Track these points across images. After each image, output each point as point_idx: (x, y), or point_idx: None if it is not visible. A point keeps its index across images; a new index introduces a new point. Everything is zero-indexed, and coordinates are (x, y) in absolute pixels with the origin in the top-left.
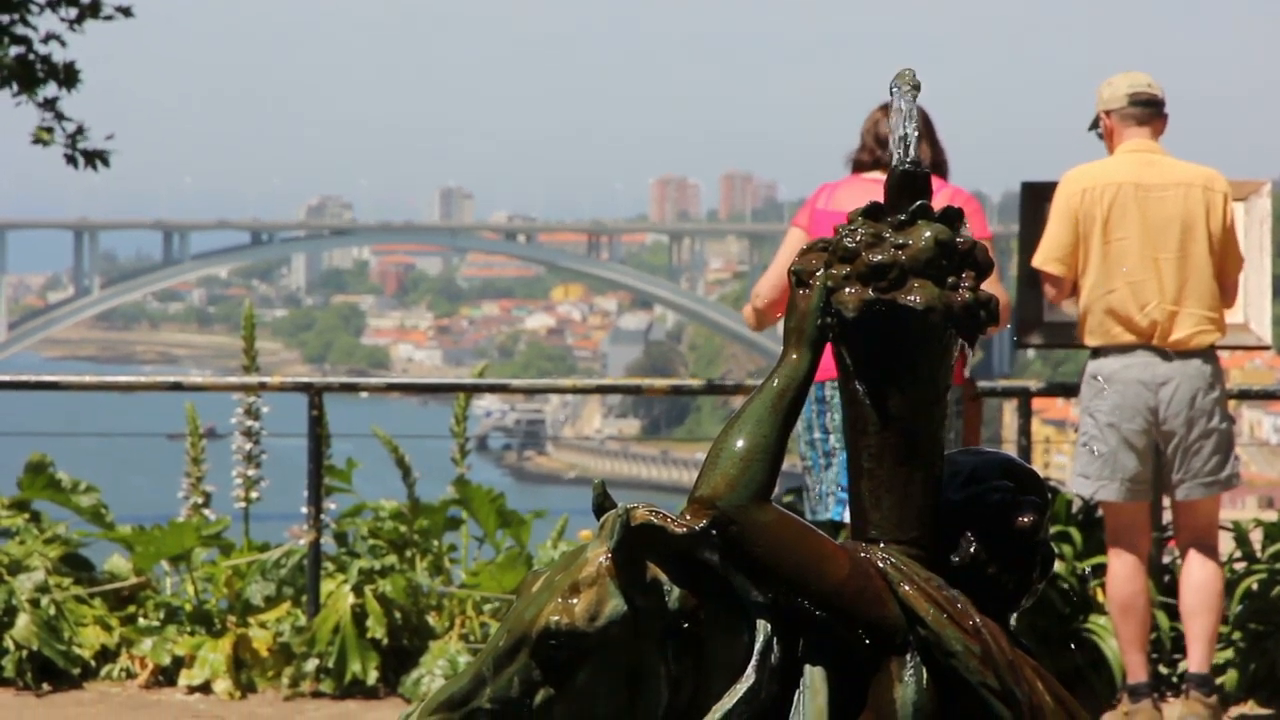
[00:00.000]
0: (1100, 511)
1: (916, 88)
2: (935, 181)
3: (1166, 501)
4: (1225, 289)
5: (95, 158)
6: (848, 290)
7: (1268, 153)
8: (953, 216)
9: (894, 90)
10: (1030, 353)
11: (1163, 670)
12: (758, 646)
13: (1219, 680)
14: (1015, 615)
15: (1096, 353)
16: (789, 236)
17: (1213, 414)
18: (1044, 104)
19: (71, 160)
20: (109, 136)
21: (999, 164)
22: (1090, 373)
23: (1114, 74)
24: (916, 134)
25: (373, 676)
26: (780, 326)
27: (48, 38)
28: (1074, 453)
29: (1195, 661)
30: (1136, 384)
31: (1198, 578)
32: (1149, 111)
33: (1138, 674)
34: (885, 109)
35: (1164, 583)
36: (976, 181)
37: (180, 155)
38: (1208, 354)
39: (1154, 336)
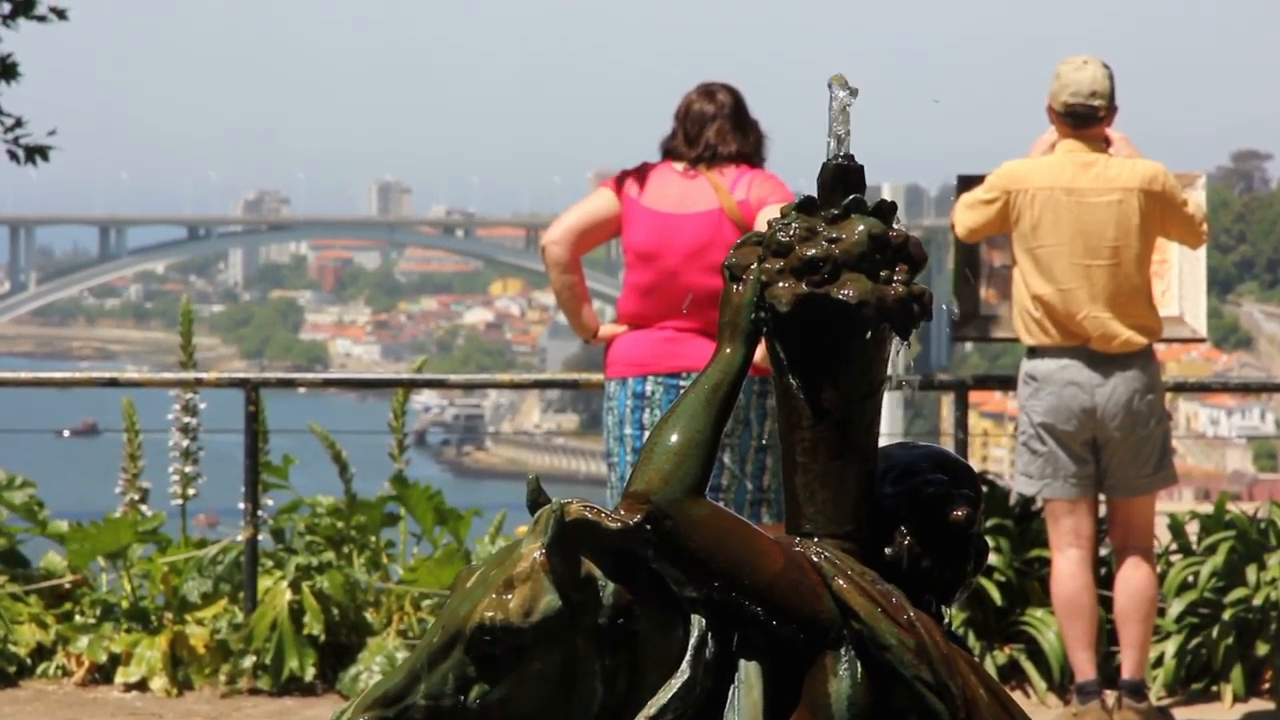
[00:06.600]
0: (1038, 505)
1: (847, 86)
2: (743, 169)
3: (1102, 497)
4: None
5: (36, 153)
6: (781, 284)
7: (1202, 146)
8: (886, 211)
9: (829, 89)
10: (968, 346)
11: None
12: (692, 641)
13: (1155, 672)
14: (951, 609)
15: (1032, 352)
16: (598, 194)
17: (1150, 416)
18: (981, 96)
19: (14, 156)
20: (51, 132)
21: (935, 157)
22: (1026, 372)
23: (1066, 59)
24: (848, 131)
25: (310, 673)
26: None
27: None
28: (1015, 451)
29: (1128, 668)
30: (1072, 386)
31: (1133, 583)
32: (1087, 119)
33: (1085, 673)
34: (700, 93)
35: (1100, 575)
36: (912, 174)
37: (116, 150)
38: (1145, 355)
39: (1089, 340)
